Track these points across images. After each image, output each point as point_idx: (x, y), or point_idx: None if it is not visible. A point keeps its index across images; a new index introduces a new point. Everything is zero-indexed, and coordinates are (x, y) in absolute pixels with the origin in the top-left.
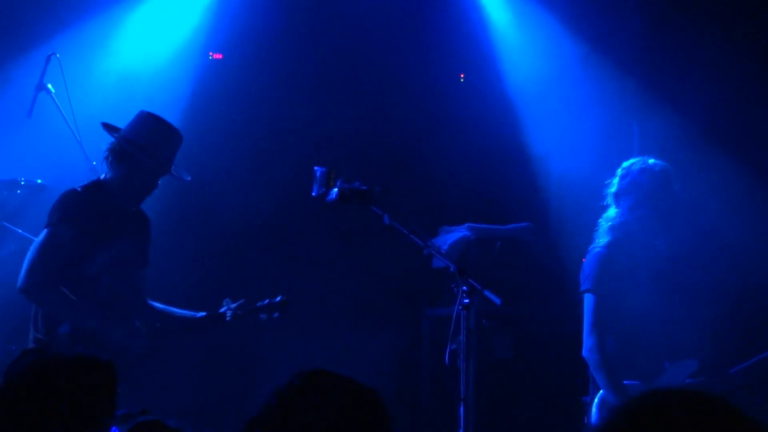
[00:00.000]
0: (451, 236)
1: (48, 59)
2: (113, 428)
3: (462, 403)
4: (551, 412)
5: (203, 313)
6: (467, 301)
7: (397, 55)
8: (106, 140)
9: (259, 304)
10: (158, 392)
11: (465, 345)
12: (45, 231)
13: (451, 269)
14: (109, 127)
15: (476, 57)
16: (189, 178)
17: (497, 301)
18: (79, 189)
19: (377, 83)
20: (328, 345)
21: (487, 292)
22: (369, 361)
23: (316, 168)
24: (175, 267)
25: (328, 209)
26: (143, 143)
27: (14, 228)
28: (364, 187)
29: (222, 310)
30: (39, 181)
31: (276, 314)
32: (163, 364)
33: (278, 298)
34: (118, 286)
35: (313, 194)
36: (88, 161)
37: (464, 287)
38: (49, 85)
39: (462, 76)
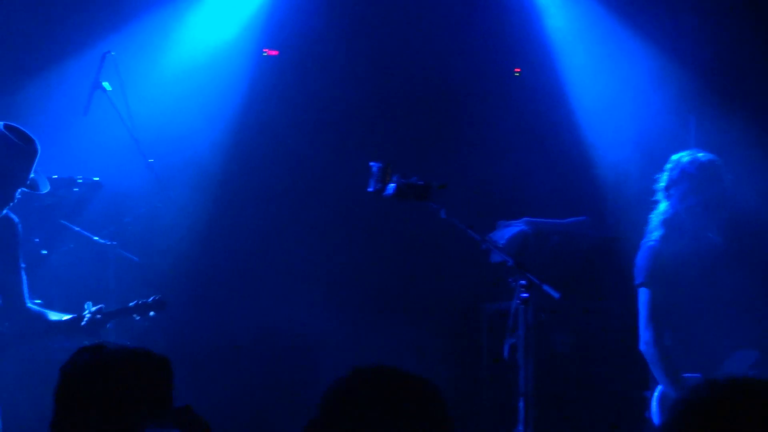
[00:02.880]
0: (508, 231)
1: (103, 57)
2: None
3: (522, 398)
4: (612, 407)
5: (68, 317)
6: (526, 295)
7: (453, 51)
8: (157, 139)
9: (131, 304)
10: (206, 391)
11: (524, 339)
12: None
13: (509, 263)
14: None
15: (531, 51)
16: (47, 190)
17: (556, 295)
18: None
19: (433, 79)
20: (386, 341)
21: (545, 287)
22: (427, 356)
23: (372, 163)
24: (232, 264)
25: (385, 204)
26: None
27: (72, 226)
28: (422, 182)
29: (83, 314)
30: (96, 178)
31: (151, 313)
32: (217, 362)
33: (150, 299)
34: None
35: (370, 189)
36: (144, 159)
37: (522, 281)
38: (105, 83)
39: (517, 70)
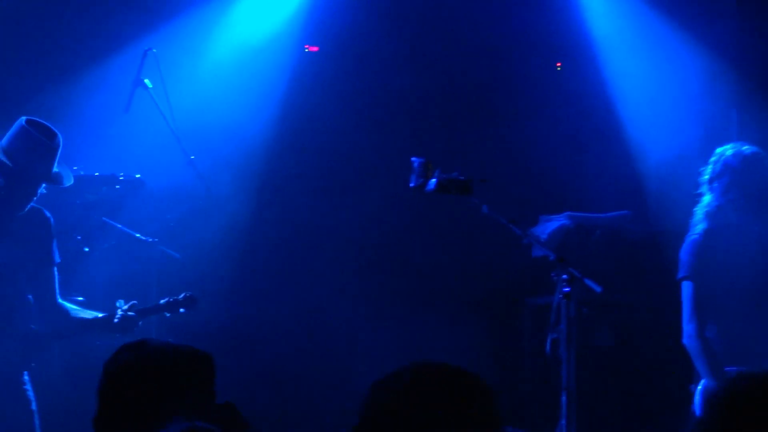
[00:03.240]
0: (550, 225)
1: (144, 54)
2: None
3: (564, 393)
4: (656, 401)
5: (102, 314)
6: (568, 289)
7: (494, 45)
8: (198, 135)
9: (161, 302)
10: (247, 387)
11: (566, 334)
12: None
13: (551, 258)
14: None
15: (572, 45)
16: (70, 183)
17: (597, 289)
18: None
19: (474, 74)
20: (428, 336)
21: (587, 280)
22: (469, 351)
23: (413, 159)
24: (273, 259)
25: (426, 200)
26: (16, 155)
27: (114, 223)
28: (463, 177)
29: (115, 311)
30: (138, 176)
31: (182, 310)
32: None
33: (181, 296)
34: (6, 291)
35: (411, 185)
36: (186, 155)
37: (564, 276)
38: (146, 80)
39: (558, 65)
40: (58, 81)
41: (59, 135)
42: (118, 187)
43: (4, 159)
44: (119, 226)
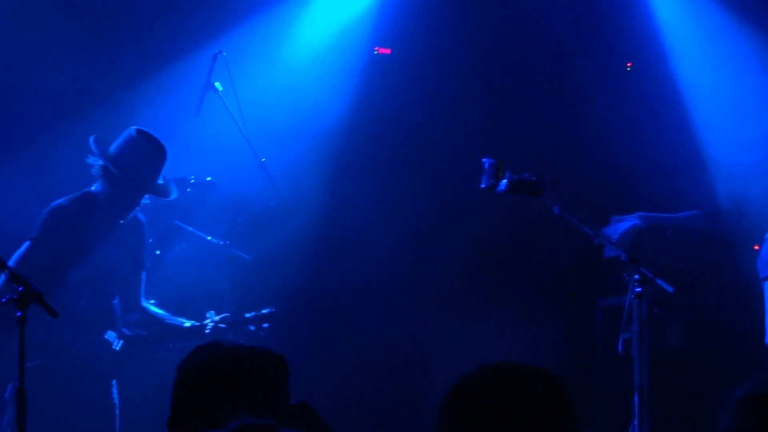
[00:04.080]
0: (621, 225)
1: (215, 58)
2: None
3: (637, 393)
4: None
5: (190, 323)
6: (639, 289)
7: (565, 45)
8: (269, 138)
9: (247, 315)
10: (318, 390)
11: (638, 334)
12: (26, 243)
13: (623, 258)
14: (99, 141)
15: (643, 46)
16: (175, 196)
17: (669, 289)
18: (64, 203)
19: (545, 74)
20: (500, 336)
21: (659, 281)
22: (541, 352)
23: (484, 160)
24: (343, 262)
25: (498, 201)
26: (123, 163)
27: (185, 226)
28: (534, 178)
29: (205, 322)
30: (209, 178)
31: (265, 325)
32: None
33: (266, 310)
34: (102, 295)
35: (483, 186)
36: (257, 158)
37: (636, 276)
38: (217, 84)
39: (629, 65)
40: (128, 84)
41: (166, 147)
42: (189, 190)
43: (111, 167)
44: (190, 228)
